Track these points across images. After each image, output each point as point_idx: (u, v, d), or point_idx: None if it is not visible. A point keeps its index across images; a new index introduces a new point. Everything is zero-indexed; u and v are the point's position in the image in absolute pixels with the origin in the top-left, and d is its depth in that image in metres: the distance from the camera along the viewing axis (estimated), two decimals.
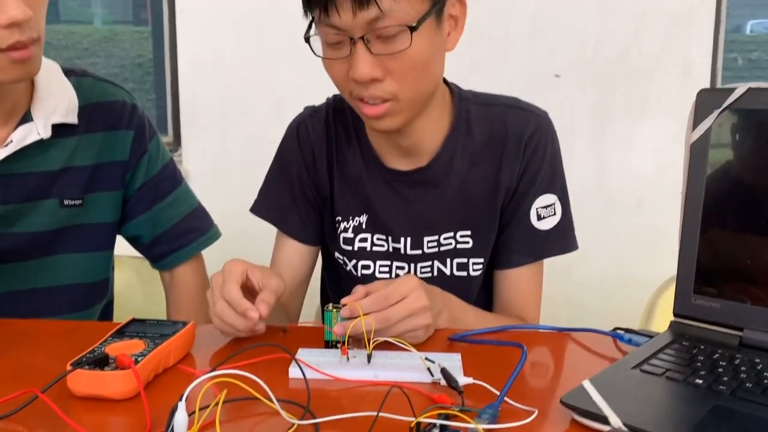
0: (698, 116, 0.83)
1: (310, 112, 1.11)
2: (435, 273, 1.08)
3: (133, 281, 1.49)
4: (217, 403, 0.58)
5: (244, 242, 1.62)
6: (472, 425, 0.58)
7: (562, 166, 1.10)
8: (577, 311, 1.74)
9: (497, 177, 1.05)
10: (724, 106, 0.80)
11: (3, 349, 0.81)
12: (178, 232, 1.16)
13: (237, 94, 2.09)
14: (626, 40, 2.00)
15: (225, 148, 2.09)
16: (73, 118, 1.05)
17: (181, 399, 0.55)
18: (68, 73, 1.09)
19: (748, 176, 0.81)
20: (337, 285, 1.17)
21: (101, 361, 0.68)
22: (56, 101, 1.04)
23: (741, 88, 0.80)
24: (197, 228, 1.18)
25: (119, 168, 1.11)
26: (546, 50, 2.00)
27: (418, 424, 0.58)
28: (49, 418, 0.63)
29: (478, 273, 1.08)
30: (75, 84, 1.08)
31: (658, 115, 1.99)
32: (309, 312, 0.87)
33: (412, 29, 0.86)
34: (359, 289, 0.83)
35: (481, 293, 1.13)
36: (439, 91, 1.01)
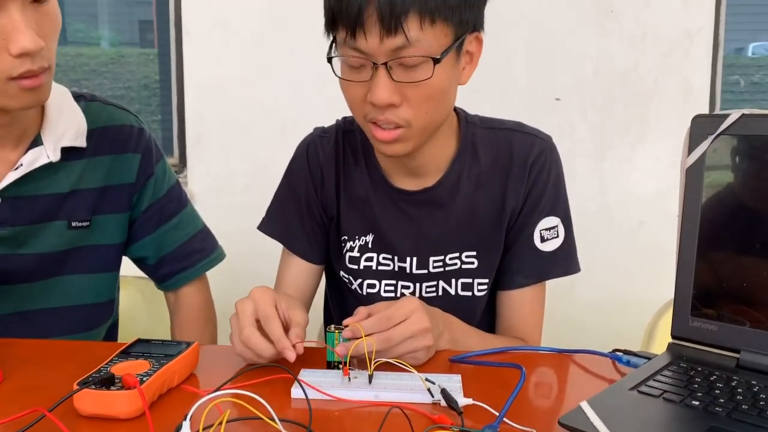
0: (693, 141, 0.85)
1: (320, 133, 1.14)
2: (440, 292, 1.09)
3: (138, 301, 1.51)
4: (220, 423, 0.59)
5: (249, 262, 1.64)
6: None
7: (566, 189, 1.12)
8: (578, 332, 1.74)
9: (503, 199, 1.07)
10: (718, 131, 0.82)
11: (10, 369, 0.83)
12: (182, 254, 1.18)
13: (242, 116, 2.12)
14: (626, 63, 2.03)
15: (230, 169, 2.12)
16: (81, 142, 1.07)
17: (185, 418, 0.56)
18: (78, 97, 1.11)
19: (743, 200, 0.83)
20: (341, 304, 1.18)
21: (107, 381, 0.69)
22: (65, 125, 1.06)
23: (735, 114, 0.81)
24: (201, 249, 1.20)
25: (126, 190, 1.13)
26: (545, 74, 2.03)
27: None
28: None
29: (482, 293, 1.09)
30: (84, 108, 1.10)
31: (657, 138, 2.01)
32: (312, 331, 0.88)
33: (436, 61, 0.88)
34: (361, 311, 0.84)
35: (485, 315, 1.14)
36: (438, 128, 1.03)
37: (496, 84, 1.93)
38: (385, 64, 0.88)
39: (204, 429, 0.61)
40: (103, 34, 2.77)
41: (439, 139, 1.03)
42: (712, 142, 0.83)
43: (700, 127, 0.84)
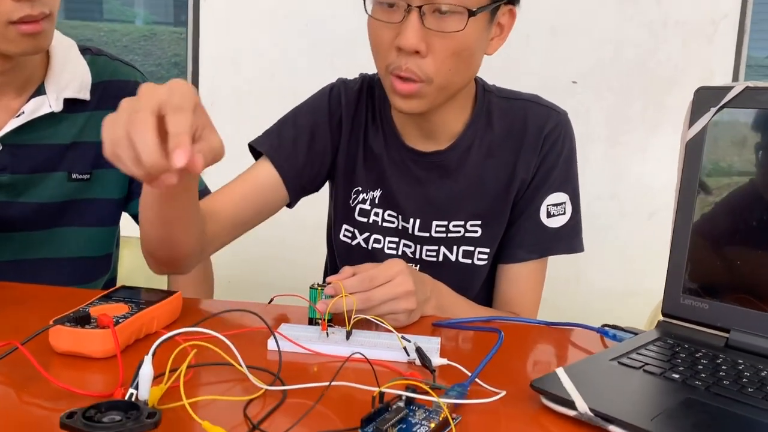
0: (695, 114, 0.82)
1: (345, 81, 1.13)
2: (440, 258, 1.08)
3: (140, 261, 1.52)
4: (187, 364, 0.59)
5: (254, 233, 1.64)
6: (435, 399, 0.58)
7: (577, 167, 1.10)
8: (581, 319, 1.72)
9: (513, 169, 1.06)
10: (721, 104, 0.80)
11: (6, 320, 0.83)
12: None
13: (254, 87, 2.12)
14: (646, 48, 1.99)
15: (240, 137, 2.11)
16: (85, 95, 1.08)
17: (148, 353, 0.56)
18: (84, 51, 1.12)
19: (742, 176, 0.80)
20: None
21: (83, 320, 0.69)
22: (70, 77, 1.07)
23: (738, 87, 0.79)
24: None
25: None
26: (564, 56, 2.00)
27: (382, 394, 0.58)
28: (27, 369, 0.64)
29: (483, 263, 1.08)
30: (89, 62, 1.11)
31: (675, 127, 1.96)
32: (300, 290, 0.87)
33: (471, 14, 0.88)
34: (346, 269, 0.83)
35: (483, 288, 1.13)
36: (458, 92, 1.02)
37: (513, 62, 1.90)
38: (420, 8, 0.87)
39: (170, 371, 0.60)
40: (138, 12, 2.80)
41: (455, 102, 1.02)
42: (714, 114, 0.81)
43: (703, 100, 0.82)
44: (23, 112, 1.02)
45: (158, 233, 0.86)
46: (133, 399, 0.54)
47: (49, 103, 1.04)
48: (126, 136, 0.62)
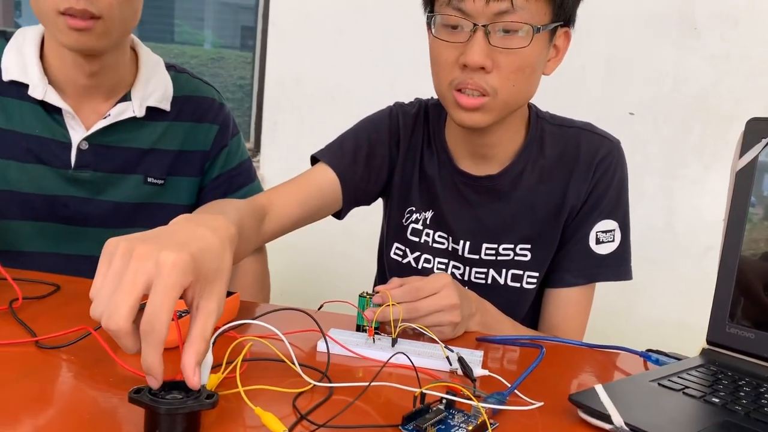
0: (746, 144, 0.83)
1: (402, 105, 1.18)
2: (489, 281, 1.11)
3: None
4: (243, 357, 0.63)
5: (305, 246, 1.69)
6: (475, 403, 0.60)
7: (628, 195, 1.11)
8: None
9: (564, 195, 1.08)
10: None
11: (72, 300, 0.90)
12: None
13: (316, 108, 2.20)
14: (706, 81, 1.97)
15: (300, 155, 2.19)
16: (166, 105, 1.18)
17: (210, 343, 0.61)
18: (169, 67, 1.23)
19: None
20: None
21: None
22: (154, 87, 1.17)
23: None
24: None
25: (200, 157, 1.23)
26: (621, 86, 2.00)
27: (423, 395, 0.61)
28: (97, 353, 0.70)
29: (531, 287, 1.10)
30: (173, 77, 1.21)
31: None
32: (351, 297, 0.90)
33: (535, 30, 0.92)
34: (394, 280, 0.87)
35: (530, 312, 1.14)
36: (518, 110, 1.05)
37: (569, 92, 1.92)
38: (485, 26, 0.91)
39: (227, 363, 0.65)
40: (207, 37, 2.94)
41: (510, 126, 1.06)
42: (766, 146, 0.81)
43: (755, 130, 0.83)
44: (110, 115, 1.12)
45: None
46: None
47: (133, 109, 1.14)
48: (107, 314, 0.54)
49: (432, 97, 1.15)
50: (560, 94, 2.05)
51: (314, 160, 1.14)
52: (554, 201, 1.09)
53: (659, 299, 2.01)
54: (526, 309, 1.12)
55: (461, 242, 1.11)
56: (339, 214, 1.15)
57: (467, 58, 0.93)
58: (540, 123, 1.10)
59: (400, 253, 1.15)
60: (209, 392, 0.55)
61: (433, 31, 0.98)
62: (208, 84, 1.27)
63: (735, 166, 0.84)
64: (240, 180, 1.28)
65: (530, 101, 1.10)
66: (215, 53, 2.89)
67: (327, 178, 1.10)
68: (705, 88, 1.98)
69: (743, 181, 0.83)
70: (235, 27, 2.99)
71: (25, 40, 1.10)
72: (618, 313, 1.95)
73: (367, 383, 0.66)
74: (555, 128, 1.11)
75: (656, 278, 1.98)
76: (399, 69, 2.04)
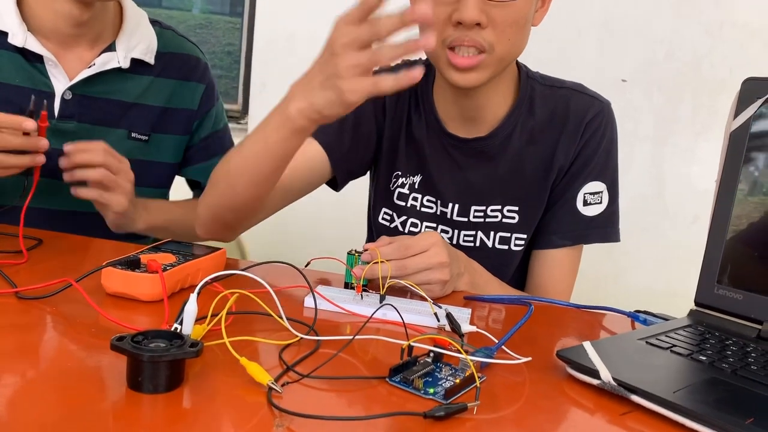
0: (741, 105, 0.82)
1: (389, 68, 1.15)
2: (477, 243, 1.10)
3: None
4: (228, 310, 0.62)
5: (295, 213, 1.68)
6: (463, 356, 0.60)
7: (617, 158, 1.10)
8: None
9: (552, 156, 1.07)
10: None
11: (56, 255, 0.89)
12: None
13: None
14: (700, 49, 1.95)
15: None
16: (150, 58, 1.16)
17: (193, 292, 0.60)
18: (154, 22, 1.20)
19: None
20: None
21: (133, 264, 0.73)
22: (138, 39, 1.15)
23: None
24: None
25: (187, 115, 1.21)
26: (615, 54, 1.98)
27: (411, 348, 0.60)
28: (79, 306, 0.69)
29: (519, 249, 1.10)
30: (157, 32, 1.19)
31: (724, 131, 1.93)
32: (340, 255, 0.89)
33: None
34: (383, 238, 0.86)
35: (517, 273, 1.14)
36: (510, 67, 1.04)
37: (564, 58, 1.90)
38: None
39: (211, 316, 0.64)
40: (195, 2, 2.87)
41: (499, 86, 1.04)
42: (761, 105, 0.80)
43: (750, 90, 0.82)
44: (94, 64, 1.10)
45: (252, 192, 0.90)
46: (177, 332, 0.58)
47: (118, 59, 1.11)
48: None
49: (420, 59, 1.12)
50: (554, 60, 2.03)
51: None
52: (543, 162, 1.08)
53: (647, 266, 2.02)
54: (513, 271, 1.12)
55: (450, 205, 1.10)
56: (335, 186, 1.14)
57: (462, 15, 0.90)
58: (530, 83, 1.09)
59: (388, 217, 1.14)
60: (193, 341, 0.54)
61: None
62: (192, 43, 1.25)
63: (729, 127, 0.83)
64: (227, 143, 1.27)
65: (520, 61, 1.09)
66: (204, 19, 2.83)
67: (315, 151, 1.07)
68: (698, 57, 1.96)
69: (737, 142, 0.82)
70: None
71: None
72: (606, 278, 1.96)
73: (353, 337, 0.65)
74: (545, 89, 1.09)
75: (645, 246, 1.98)
76: None
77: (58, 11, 1.05)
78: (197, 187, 1.28)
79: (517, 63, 1.09)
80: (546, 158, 1.07)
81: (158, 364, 0.51)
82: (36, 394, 0.51)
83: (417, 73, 0.69)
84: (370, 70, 0.72)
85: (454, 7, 0.92)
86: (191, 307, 0.59)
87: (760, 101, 0.80)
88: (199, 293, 0.60)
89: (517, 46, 0.97)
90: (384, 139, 1.13)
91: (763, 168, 0.81)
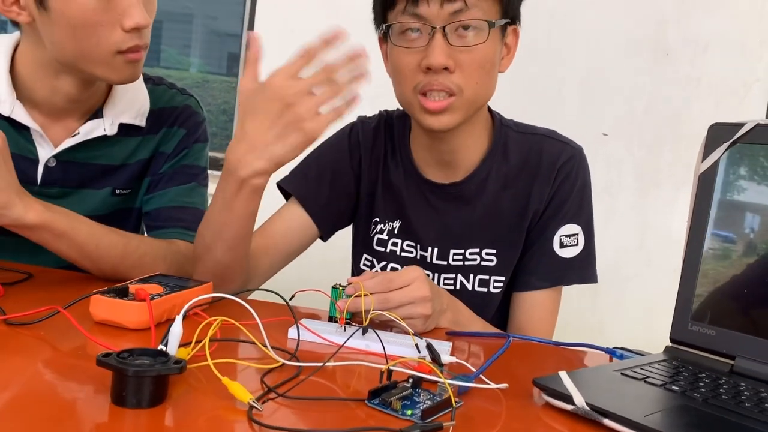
0: (708, 148, 0.86)
1: (363, 120, 1.20)
2: (457, 286, 1.12)
3: None
4: (211, 336, 0.64)
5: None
6: (441, 379, 0.61)
7: (591, 201, 1.14)
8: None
9: (527, 200, 1.10)
10: (733, 139, 0.84)
11: (44, 287, 0.90)
12: (173, 214, 1.16)
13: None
14: (677, 105, 2.03)
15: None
16: (141, 121, 1.14)
17: (179, 314, 0.61)
18: (147, 80, 1.18)
19: (751, 208, 0.84)
20: None
21: (121, 292, 0.75)
22: (128, 103, 1.12)
23: (749, 124, 0.83)
24: (184, 220, 1.15)
25: (163, 160, 1.17)
26: (596, 108, 2.05)
27: (390, 372, 0.62)
28: (66, 331, 0.70)
29: (498, 291, 1.12)
30: (150, 90, 1.16)
31: None
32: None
33: (491, 25, 0.96)
34: (367, 272, 0.88)
35: (496, 315, 1.16)
36: (483, 113, 1.09)
37: (546, 112, 1.95)
38: (443, 27, 0.95)
39: (196, 342, 0.65)
40: (193, 62, 2.94)
41: (473, 132, 1.08)
42: (726, 149, 0.85)
43: (716, 135, 0.86)
44: (78, 133, 1.07)
45: (233, 255, 0.96)
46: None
47: (104, 127, 1.09)
48: None
49: (398, 108, 1.17)
50: (537, 114, 2.10)
51: (280, 187, 1.17)
52: (518, 206, 1.11)
53: (629, 317, 2.03)
54: (493, 313, 1.13)
55: (429, 249, 1.12)
56: (323, 238, 1.18)
57: (431, 60, 0.95)
58: (504, 130, 1.13)
59: (369, 264, 1.17)
60: (177, 358, 0.55)
61: (392, 40, 1.00)
62: (185, 93, 1.22)
63: (698, 169, 0.87)
64: (187, 178, 1.17)
65: (493, 109, 1.14)
66: (201, 78, 2.89)
67: (298, 215, 1.13)
68: (676, 111, 2.03)
69: (705, 184, 0.86)
70: (221, 55, 3.01)
71: None
72: (591, 331, 1.97)
73: (336, 363, 0.67)
74: (519, 135, 1.13)
75: (627, 297, 2.01)
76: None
77: (57, 88, 1.04)
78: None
79: (491, 111, 1.13)
80: (521, 202, 1.11)
81: (142, 379, 0.53)
82: (19, 409, 0.53)
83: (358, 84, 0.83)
84: (323, 105, 0.84)
85: (422, 54, 0.97)
86: (176, 329, 0.60)
87: (725, 145, 0.84)
88: (185, 316, 0.62)
89: (485, 89, 1.02)
90: (362, 188, 1.17)
91: (731, 208, 0.85)
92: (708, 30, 1.98)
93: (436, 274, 1.13)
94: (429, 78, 0.97)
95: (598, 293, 1.90)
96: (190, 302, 0.64)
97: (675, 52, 2.01)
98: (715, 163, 0.85)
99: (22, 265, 0.97)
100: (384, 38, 1.04)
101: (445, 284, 1.12)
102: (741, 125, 0.84)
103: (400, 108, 1.11)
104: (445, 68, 0.96)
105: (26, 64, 1.04)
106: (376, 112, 1.21)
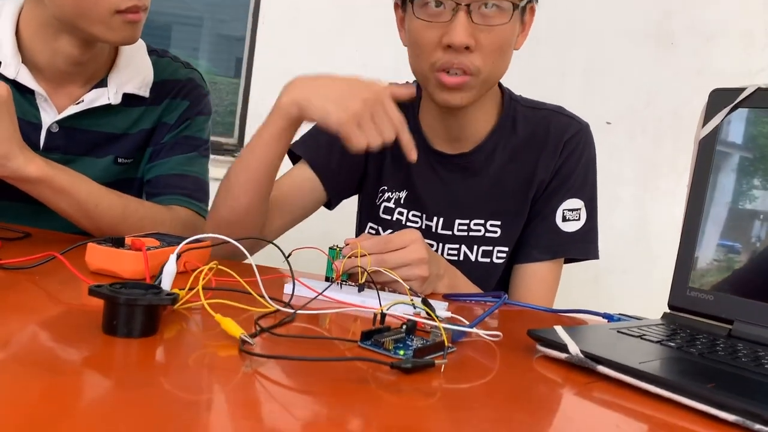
0: (709, 113, 0.86)
1: None
2: (461, 257, 1.12)
3: None
4: (206, 284, 0.64)
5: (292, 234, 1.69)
6: (436, 323, 0.61)
7: (595, 177, 1.14)
8: None
9: (533, 172, 1.11)
10: (734, 104, 0.83)
11: (42, 245, 0.90)
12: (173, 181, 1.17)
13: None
14: (680, 95, 2.02)
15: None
16: (145, 92, 1.14)
17: (173, 253, 0.61)
18: (152, 52, 1.18)
19: (752, 173, 0.83)
20: None
21: (117, 242, 0.75)
22: (132, 73, 1.13)
23: (750, 88, 0.83)
24: (185, 188, 1.17)
25: (165, 130, 1.18)
26: (599, 96, 2.05)
27: (383, 315, 0.62)
28: (62, 276, 0.70)
29: (500, 261, 1.12)
30: (154, 62, 1.17)
31: None
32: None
33: (515, 7, 0.96)
34: (365, 234, 0.88)
35: (497, 287, 1.15)
36: (494, 88, 1.08)
37: (548, 101, 1.96)
38: (468, 5, 0.94)
39: (190, 289, 0.65)
40: (201, 64, 2.96)
41: (483, 106, 1.08)
42: (727, 114, 0.84)
43: (717, 100, 0.86)
44: (83, 101, 1.08)
45: (248, 199, 0.97)
46: None
47: (108, 95, 1.10)
48: None
49: (407, 81, 1.17)
50: (541, 99, 2.10)
51: (290, 152, 1.16)
52: (524, 177, 1.11)
53: (631, 309, 2.02)
54: (494, 284, 1.13)
55: (434, 218, 1.13)
56: (329, 206, 1.18)
57: (453, 38, 0.95)
58: (513, 104, 1.13)
59: (374, 232, 1.17)
60: (169, 291, 0.55)
61: (413, 11, 1.00)
62: (189, 67, 1.23)
63: (698, 135, 0.87)
64: (187, 149, 1.18)
65: (503, 84, 1.13)
66: (208, 79, 2.89)
67: (306, 176, 1.13)
68: (679, 102, 2.03)
69: (705, 149, 0.86)
70: (229, 57, 3.03)
71: (1, 15, 1.05)
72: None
73: (330, 310, 0.67)
74: (527, 110, 1.14)
75: (628, 288, 2.00)
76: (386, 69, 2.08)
77: (58, 50, 1.04)
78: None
79: (501, 86, 1.14)
80: (527, 174, 1.11)
81: (134, 308, 0.52)
82: (7, 338, 0.52)
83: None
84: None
85: (443, 30, 0.96)
86: (170, 267, 0.60)
87: (726, 109, 0.84)
88: (179, 256, 0.62)
89: (500, 69, 1.02)
90: (370, 157, 1.16)
91: (731, 172, 0.84)
92: (713, 19, 1.98)
93: (441, 244, 1.13)
94: (449, 56, 0.97)
95: (598, 282, 1.89)
96: (186, 240, 0.63)
97: (680, 42, 2.00)
98: (716, 128, 0.85)
99: (22, 227, 0.97)
100: (402, 4, 1.04)
101: (449, 254, 1.12)
102: (742, 90, 0.84)
103: (409, 81, 1.10)
104: (466, 47, 0.95)
105: (28, 26, 1.04)
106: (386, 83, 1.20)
